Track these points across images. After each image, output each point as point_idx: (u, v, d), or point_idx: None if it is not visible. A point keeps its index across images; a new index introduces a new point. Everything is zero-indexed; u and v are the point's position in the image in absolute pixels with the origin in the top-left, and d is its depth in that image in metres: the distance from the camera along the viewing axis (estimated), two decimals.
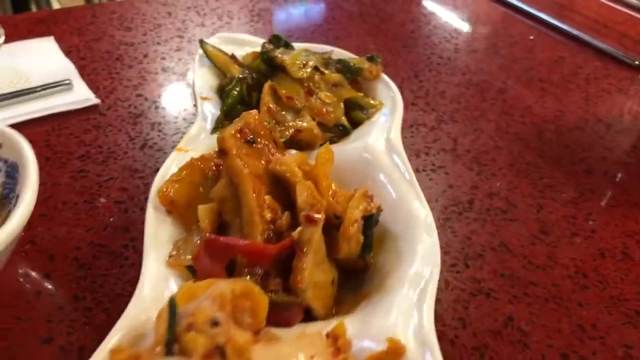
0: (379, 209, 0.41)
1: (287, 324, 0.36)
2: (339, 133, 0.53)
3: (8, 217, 0.39)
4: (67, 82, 0.64)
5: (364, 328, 0.35)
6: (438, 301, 0.44)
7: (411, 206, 0.42)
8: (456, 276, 0.46)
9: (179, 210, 0.42)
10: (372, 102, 0.55)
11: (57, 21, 0.80)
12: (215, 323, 0.28)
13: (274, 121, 0.50)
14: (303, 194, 0.38)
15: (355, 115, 0.54)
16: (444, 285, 0.45)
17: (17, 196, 0.40)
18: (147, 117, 0.63)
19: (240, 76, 0.55)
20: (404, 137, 0.50)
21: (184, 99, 0.66)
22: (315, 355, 0.29)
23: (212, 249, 0.36)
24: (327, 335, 0.32)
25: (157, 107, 0.65)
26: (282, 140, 0.49)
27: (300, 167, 0.40)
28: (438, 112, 0.68)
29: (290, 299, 0.36)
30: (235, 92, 0.54)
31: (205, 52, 0.60)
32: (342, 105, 0.53)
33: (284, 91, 0.52)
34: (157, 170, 0.46)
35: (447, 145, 0.62)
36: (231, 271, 0.37)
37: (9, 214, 0.41)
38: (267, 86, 0.52)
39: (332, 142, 0.51)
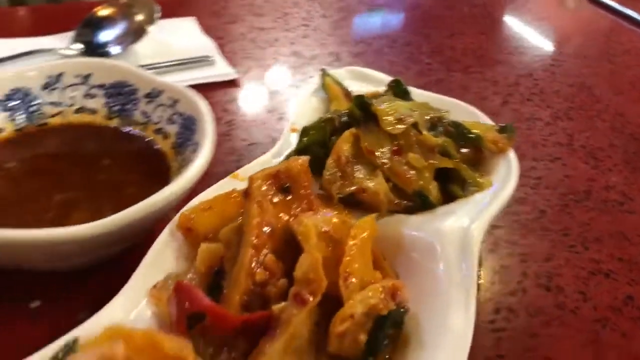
0: (401, 309, 0.33)
1: None
2: (419, 204, 0.43)
3: (184, 163, 0.46)
4: (209, 57, 0.71)
5: None
6: (559, 275, 0.47)
7: (453, 318, 0.33)
8: (575, 256, 0.49)
9: (196, 240, 0.38)
10: (479, 179, 0.45)
11: (194, 4, 0.87)
12: None
13: (338, 173, 0.44)
14: (304, 265, 0.32)
15: (452, 189, 0.45)
16: (563, 262, 0.48)
17: (197, 143, 0.46)
18: (281, 93, 0.69)
19: (328, 116, 0.49)
20: (520, 130, 0.48)
21: (313, 80, 0.71)
22: None
23: (180, 296, 0.33)
24: None
25: (289, 85, 0.71)
26: (339, 195, 0.43)
27: (329, 234, 0.34)
28: (553, 109, 0.71)
29: None
30: (314, 132, 0.48)
31: (324, 83, 0.56)
32: (431, 173, 0.44)
33: (367, 143, 0.45)
34: None
35: (563, 140, 0.65)
36: (193, 326, 0.32)
37: (184, 160, 0.47)
38: (348, 132, 0.45)
39: (408, 211, 0.43)
